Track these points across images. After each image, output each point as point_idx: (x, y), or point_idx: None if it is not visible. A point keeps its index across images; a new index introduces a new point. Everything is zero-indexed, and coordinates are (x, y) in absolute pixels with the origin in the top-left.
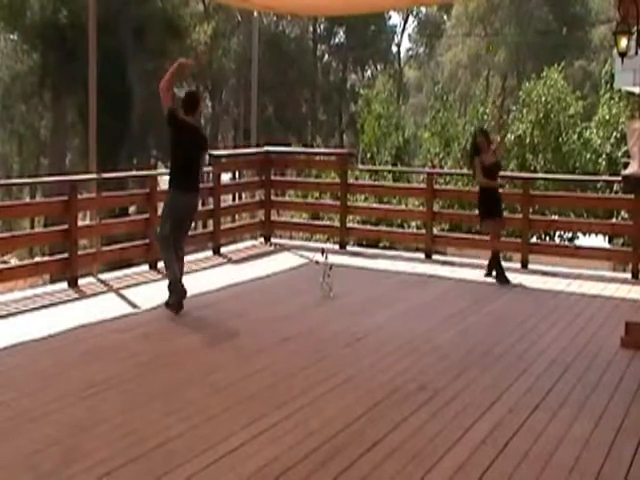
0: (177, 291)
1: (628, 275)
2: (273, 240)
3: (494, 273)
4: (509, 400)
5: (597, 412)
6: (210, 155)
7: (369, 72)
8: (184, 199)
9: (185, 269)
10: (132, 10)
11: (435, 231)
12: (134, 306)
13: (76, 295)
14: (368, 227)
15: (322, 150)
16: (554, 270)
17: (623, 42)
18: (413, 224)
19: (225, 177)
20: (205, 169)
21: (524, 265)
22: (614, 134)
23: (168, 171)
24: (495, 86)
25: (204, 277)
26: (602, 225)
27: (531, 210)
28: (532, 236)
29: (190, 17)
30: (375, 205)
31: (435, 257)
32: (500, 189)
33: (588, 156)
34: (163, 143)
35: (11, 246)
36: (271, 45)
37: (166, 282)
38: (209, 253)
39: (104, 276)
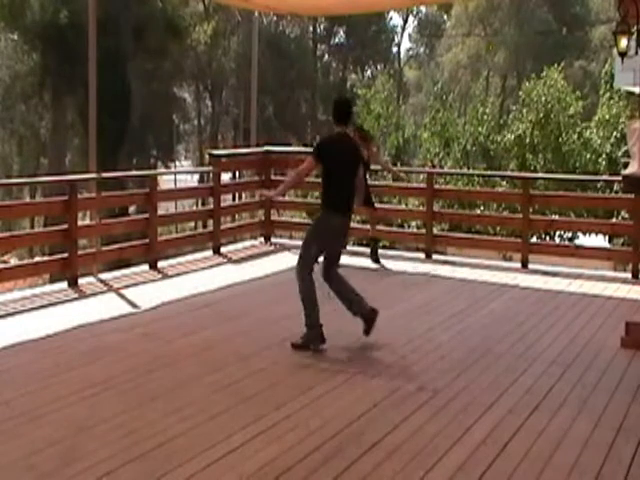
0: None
1: (628, 275)
2: (273, 240)
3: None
4: (509, 400)
5: (597, 412)
6: (211, 155)
7: (369, 72)
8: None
9: (185, 269)
10: (132, 10)
11: (435, 231)
12: (134, 306)
13: (76, 295)
14: (368, 227)
15: None
16: (554, 270)
17: (623, 42)
18: (413, 224)
19: (225, 177)
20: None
21: (524, 265)
22: (614, 134)
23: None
24: (495, 86)
25: (204, 277)
26: (602, 225)
27: (531, 210)
28: (532, 236)
29: (190, 17)
30: (375, 205)
31: (435, 257)
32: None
33: (588, 156)
34: (163, 143)
35: (11, 246)
36: (271, 45)
37: (165, 282)
38: (209, 253)
39: (104, 276)
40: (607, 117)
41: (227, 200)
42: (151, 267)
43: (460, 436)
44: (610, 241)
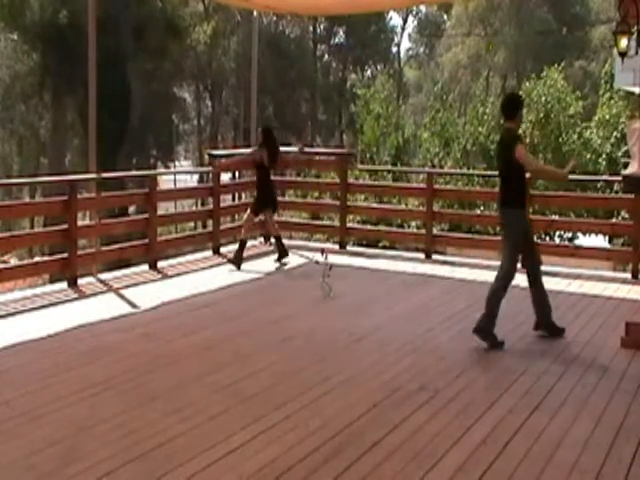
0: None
1: (628, 275)
2: (273, 240)
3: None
4: (509, 400)
5: (597, 412)
6: (210, 155)
7: (369, 72)
8: None
9: (185, 269)
10: (132, 10)
11: (435, 231)
12: (134, 306)
13: (76, 295)
14: (368, 227)
15: (322, 150)
16: (554, 270)
17: (623, 42)
18: (413, 224)
19: (225, 177)
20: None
21: (524, 265)
22: (614, 134)
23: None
24: (495, 86)
25: (204, 277)
26: (602, 225)
27: (531, 210)
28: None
29: (190, 17)
30: (375, 205)
31: (435, 257)
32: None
33: (588, 156)
34: (163, 143)
35: (11, 246)
36: (271, 45)
37: (165, 282)
38: (209, 253)
39: (104, 276)
40: (607, 117)
41: (227, 200)
42: (151, 267)
43: (460, 436)
44: (610, 241)
